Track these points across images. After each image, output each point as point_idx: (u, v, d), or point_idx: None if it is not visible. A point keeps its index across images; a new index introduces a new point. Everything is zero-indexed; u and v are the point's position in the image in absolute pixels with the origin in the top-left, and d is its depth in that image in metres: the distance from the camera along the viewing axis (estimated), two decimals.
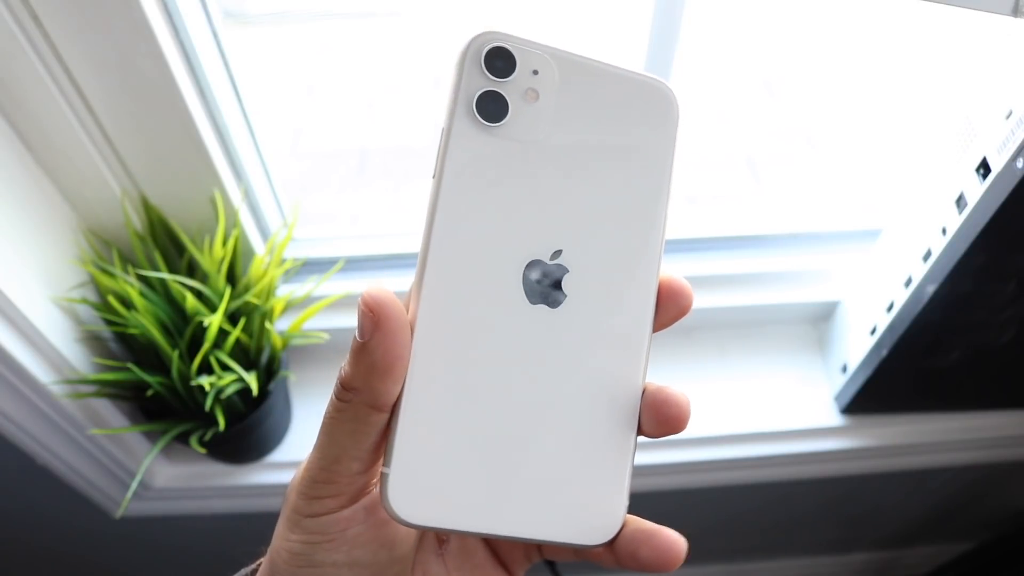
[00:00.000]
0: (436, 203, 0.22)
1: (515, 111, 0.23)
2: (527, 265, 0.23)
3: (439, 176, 0.22)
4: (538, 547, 0.26)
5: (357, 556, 0.23)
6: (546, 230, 0.23)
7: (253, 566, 0.26)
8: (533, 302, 0.23)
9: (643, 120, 0.24)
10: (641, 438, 0.24)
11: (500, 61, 0.23)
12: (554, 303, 0.23)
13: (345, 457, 0.22)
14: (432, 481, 0.22)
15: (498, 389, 0.22)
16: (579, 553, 0.24)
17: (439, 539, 0.26)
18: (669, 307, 0.24)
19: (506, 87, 0.23)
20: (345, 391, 0.21)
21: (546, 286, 0.23)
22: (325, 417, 0.22)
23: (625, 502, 0.23)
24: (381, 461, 0.24)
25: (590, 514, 0.23)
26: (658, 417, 0.23)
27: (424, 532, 0.26)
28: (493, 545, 0.27)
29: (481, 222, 0.22)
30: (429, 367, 0.22)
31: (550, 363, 0.23)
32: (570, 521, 0.23)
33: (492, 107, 0.23)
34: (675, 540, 0.22)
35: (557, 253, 0.23)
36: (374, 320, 0.21)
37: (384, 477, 0.21)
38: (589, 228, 0.23)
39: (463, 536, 0.24)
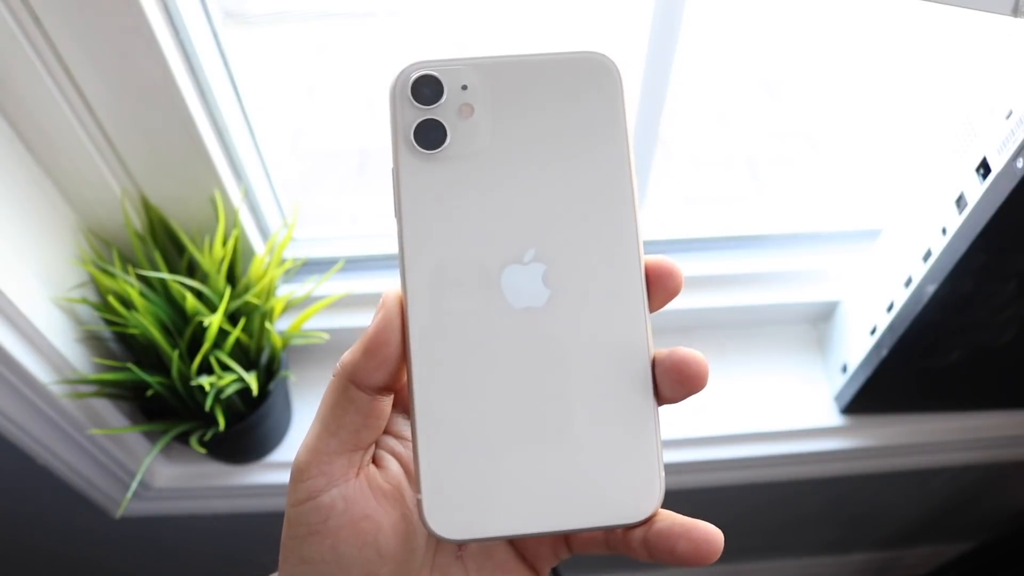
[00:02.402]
0: (402, 240, 0.23)
1: (453, 131, 0.23)
2: (503, 272, 0.23)
3: (399, 214, 0.23)
4: (566, 541, 0.26)
5: (343, 552, 0.23)
6: (514, 233, 0.23)
7: None
8: (519, 305, 0.23)
9: (584, 97, 0.24)
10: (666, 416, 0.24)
11: (427, 88, 0.23)
12: (539, 301, 0.23)
13: (325, 432, 0.24)
14: (463, 494, 0.22)
15: (505, 392, 0.23)
16: (612, 545, 0.24)
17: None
18: (657, 288, 0.24)
19: (439, 111, 0.23)
20: (339, 365, 0.23)
21: (527, 287, 0.23)
22: (322, 397, 0.24)
23: (660, 473, 0.23)
24: (364, 450, 0.25)
25: (625, 492, 0.23)
26: (677, 378, 0.23)
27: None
28: (517, 543, 0.26)
29: (450, 245, 0.23)
30: (432, 386, 0.23)
31: (550, 356, 0.23)
32: (607, 503, 0.23)
33: (430, 135, 0.23)
34: (713, 533, 0.22)
35: (530, 252, 0.23)
36: (379, 307, 0.23)
37: (419, 503, 0.22)
38: (556, 219, 0.24)
39: (500, 540, 0.24)
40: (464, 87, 0.23)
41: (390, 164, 0.24)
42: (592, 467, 0.23)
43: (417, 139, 0.23)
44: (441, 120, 0.23)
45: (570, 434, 0.23)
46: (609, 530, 0.24)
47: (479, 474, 0.22)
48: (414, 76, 0.23)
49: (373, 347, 0.23)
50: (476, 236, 0.23)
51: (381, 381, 0.23)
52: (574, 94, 0.24)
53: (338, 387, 0.23)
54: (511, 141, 0.24)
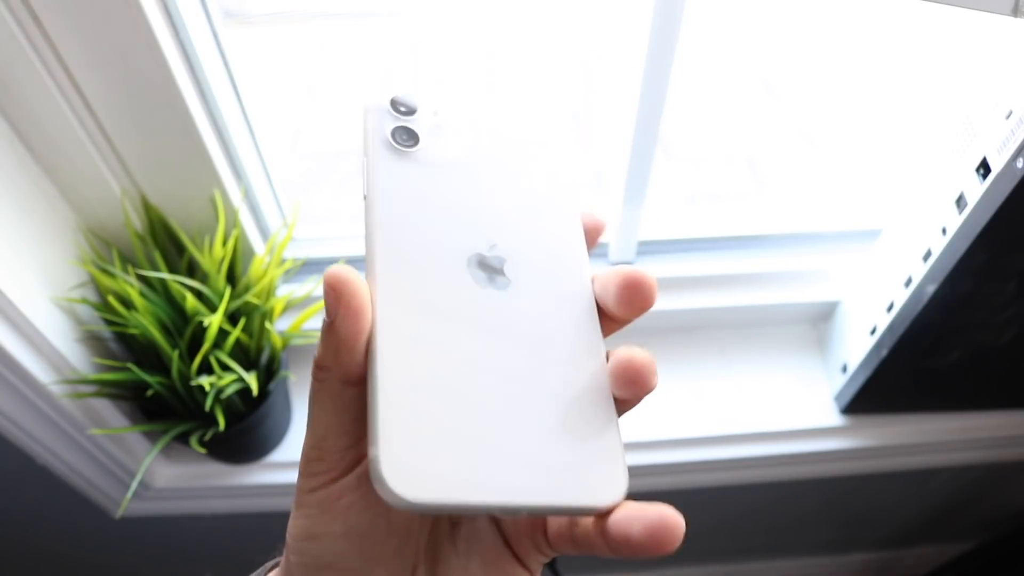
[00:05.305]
0: (372, 217, 0.24)
1: (425, 140, 0.27)
2: (468, 256, 0.25)
3: (370, 196, 0.25)
4: (545, 535, 0.25)
5: (353, 525, 0.23)
6: (478, 228, 0.26)
7: (275, 561, 0.27)
8: (482, 287, 0.24)
9: (534, 139, 0.29)
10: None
11: (403, 105, 0.27)
12: (501, 287, 0.25)
13: (331, 434, 0.23)
14: (420, 457, 0.21)
15: (467, 364, 0.23)
16: (577, 541, 0.23)
17: (451, 520, 0.26)
18: (632, 303, 0.24)
19: (413, 122, 0.27)
20: (319, 370, 0.22)
21: (490, 273, 0.25)
22: (309, 398, 0.23)
23: (624, 460, 0.23)
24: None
25: (589, 477, 0.22)
26: (623, 381, 0.23)
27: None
28: (504, 532, 0.26)
29: (417, 226, 0.25)
30: (395, 347, 0.22)
31: (511, 338, 0.24)
32: (573, 483, 0.22)
33: (405, 135, 0.26)
34: (668, 515, 0.21)
35: (494, 243, 0.25)
36: (336, 298, 0.21)
37: (372, 461, 0.21)
38: (512, 222, 0.26)
39: (462, 513, 0.22)
40: (435, 112, 0.27)
41: (361, 159, 0.26)
42: (553, 447, 0.22)
43: (394, 137, 0.26)
44: (415, 129, 0.27)
45: (533, 413, 0.23)
46: (574, 514, 0.23)
47: (435, 438, 0.21)
48: (392, 95, 0.27)
49: (352, 342, 0.21)
50: (442, 223, 0.25)
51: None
52: (525, 134, 0.28)
53: (333, 392, 0.22)
54: (476, 159, 0.27)
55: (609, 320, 0.25)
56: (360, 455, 0.24)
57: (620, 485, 0.22)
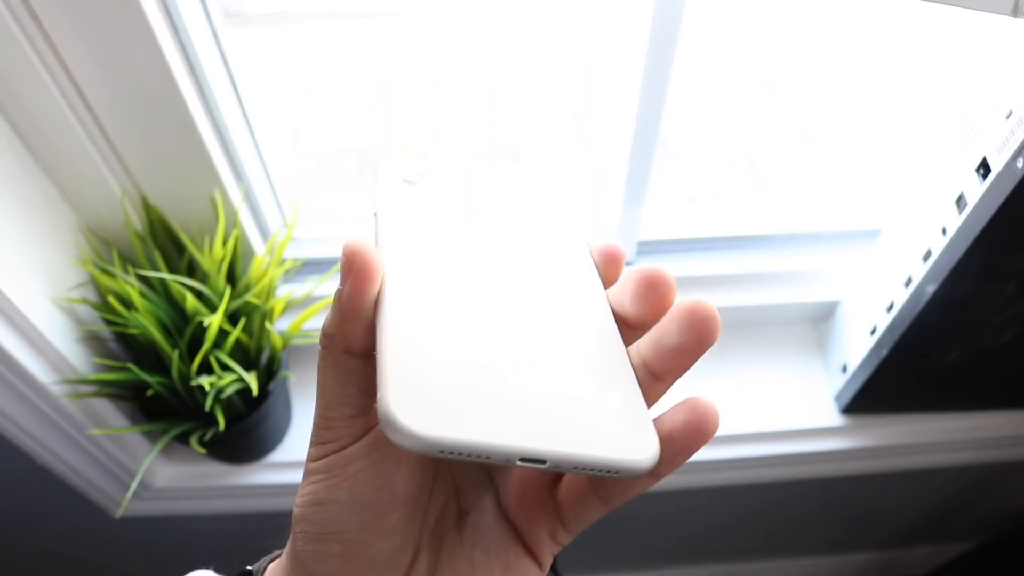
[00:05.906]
0: (381, 223, 0.25)
1: (431, 179, 0.28)
2: (478, 246, 0.26)
3: (378, 204, 0.26)
4: (559, 516, 0.24)
5: (359, 493, 0.23)
6: (485, 234, 0.27)
7: (275, 553, 0.27)
8: (493, 266, 0.25)
9: (537, 172, 0.32)
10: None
11: (412, 161, 0.29)
12: (513, 268, 0.25)
13: (336, 403, 0.23)
14: (431, 392, 0.20)
15: (480, 315, 0.23)
16: (605, 494, 0.22)
17: (460, 509, 0.26)
18: (649, 299, 0.24)
19: (420, 165, 0.29)
20: (325, 337, 0.23)
21: (499, 259, 0.26)
22: (317, 367, 0.24)
23: (651, 419, 0.21)
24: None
25: (622, 430, 0.21)
26: (689, 318, 0.21)
27: (440, 497, 0.25)
28: (514, 520, 0.25)
29: (425, 228, 0.26)
30: (404, 307, 0.22)
31: (523, 301, 0.24)
32: (603, 437, 0.20)
33: (412, 173, 0.28)
34: (699, 398, 0.21)
35: (500, 235, 0.27)
36: (347, 267, 0.22)
37: (380, 402, 0.19)
38: (521, 234, 0.27)
39: (479, 458, 0.20)
40: (442, 168, 0.29)
41: (373, 183, 0.27)
42: (576, 399, 0.21)
43: (402, 175, 0.28)
44: (420, 176, 0.28)
45: (553, 370, 0.22)
46: (604, 472, 0.21)
47: (452, 379, 0.20)
48: (401, 143, 0.28)
49: (354, 312, 0.22)
50: (450, 232, 0.26)
51: (372, 344, 0.22)
52: (534, 172, 0.30)
53: (337, 360, 0.23)
54: (481, 186, 0.29)
55: (625, 327, 0.24)
56: (367, 424, 0.24)
57: (653, 444, 0.21)
